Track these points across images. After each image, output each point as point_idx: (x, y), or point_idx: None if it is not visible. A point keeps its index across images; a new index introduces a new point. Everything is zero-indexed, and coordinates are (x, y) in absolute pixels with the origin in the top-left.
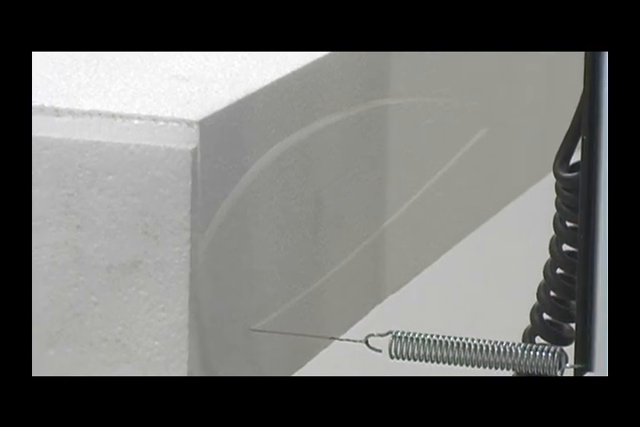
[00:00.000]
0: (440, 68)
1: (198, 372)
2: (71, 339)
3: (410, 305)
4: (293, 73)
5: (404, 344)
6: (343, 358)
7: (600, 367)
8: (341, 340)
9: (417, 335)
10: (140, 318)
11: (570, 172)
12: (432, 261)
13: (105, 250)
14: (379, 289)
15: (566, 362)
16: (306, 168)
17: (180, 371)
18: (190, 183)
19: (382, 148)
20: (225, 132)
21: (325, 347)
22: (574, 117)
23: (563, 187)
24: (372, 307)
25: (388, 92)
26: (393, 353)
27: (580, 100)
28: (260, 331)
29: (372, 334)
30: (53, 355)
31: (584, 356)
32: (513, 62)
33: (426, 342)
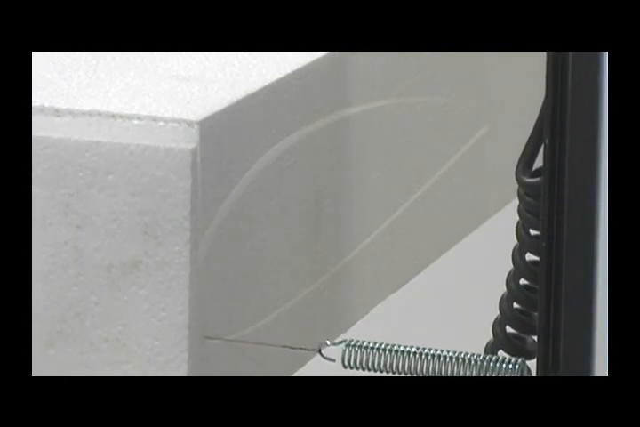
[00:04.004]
0: (440, 68)
1: (198, 372)
2: (71, 339)
3: (410, 305)
4: (293, 73)
5: (357, 353)
6: None
7: (600, 367)
8: (294, 348)
9: (371, 344)
10: (140, 318)
11: (533, 177)
12: (434, 259)
13: (105, 250)
14: (379, 288)
15: (529, 373)
16: (306, 168)
17: (180, 371)
18: (190, 183)
19: (382, 147)
20: (225, 132)
21: (326, 346)
22: (537, 122)
23: (525, 193)
24: (373, 306)
25: (388, 91)
26: (346, 363)
27: (543, 104)
28: (214, 339)
29: (326, 344)
30: (53, 355)
31: (546, 367)
32: (512, 62)
33: (380, 352)
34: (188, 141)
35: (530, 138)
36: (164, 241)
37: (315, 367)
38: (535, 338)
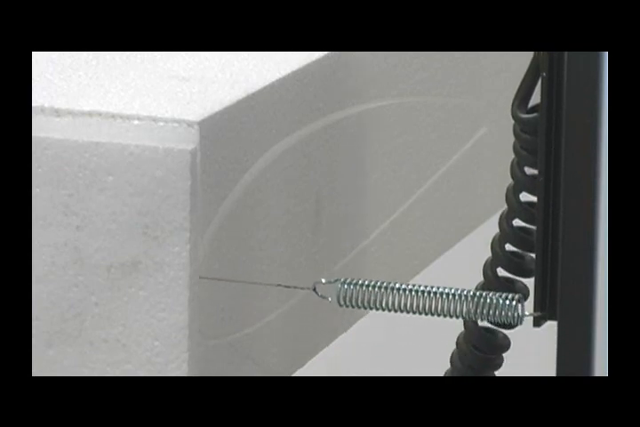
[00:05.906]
0: (440, 68)
1: (198, 372)
2: (71, 339)
3: None
4: (293, 73)
5: (352, 291)
6: (343, 357)
7: (600, 367)
8: (288, 287)
9: (366, 282)
10: (140, 319)
11: (529, 113)
12: (434, 260)
13: (105, 250)
14: None
15: (523, 311)
16: (306, 168)
17: (180, 371)
18: (190, 183)
19: (382, 147)
20: (225, 132)
21: (326, 346)
22: (534, 57)
23: (521, 129)
24: None
25: (388, 91)
26: (341, 301)
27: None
28: (209, 278)
29: (320, 282)
30: (53, 355)
31: (543, 304)
32: (512, 61)
33: (375, 289)
34: (188, 142)
35: (526, 74)
36: (164, 242)
37: (315, 367)
38: (525, 281)
